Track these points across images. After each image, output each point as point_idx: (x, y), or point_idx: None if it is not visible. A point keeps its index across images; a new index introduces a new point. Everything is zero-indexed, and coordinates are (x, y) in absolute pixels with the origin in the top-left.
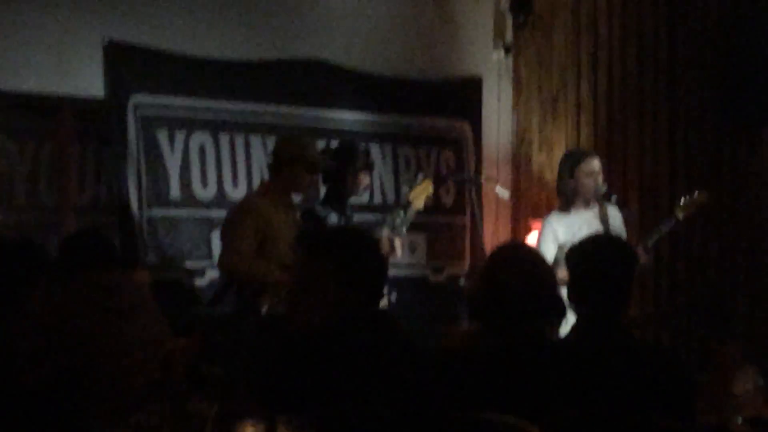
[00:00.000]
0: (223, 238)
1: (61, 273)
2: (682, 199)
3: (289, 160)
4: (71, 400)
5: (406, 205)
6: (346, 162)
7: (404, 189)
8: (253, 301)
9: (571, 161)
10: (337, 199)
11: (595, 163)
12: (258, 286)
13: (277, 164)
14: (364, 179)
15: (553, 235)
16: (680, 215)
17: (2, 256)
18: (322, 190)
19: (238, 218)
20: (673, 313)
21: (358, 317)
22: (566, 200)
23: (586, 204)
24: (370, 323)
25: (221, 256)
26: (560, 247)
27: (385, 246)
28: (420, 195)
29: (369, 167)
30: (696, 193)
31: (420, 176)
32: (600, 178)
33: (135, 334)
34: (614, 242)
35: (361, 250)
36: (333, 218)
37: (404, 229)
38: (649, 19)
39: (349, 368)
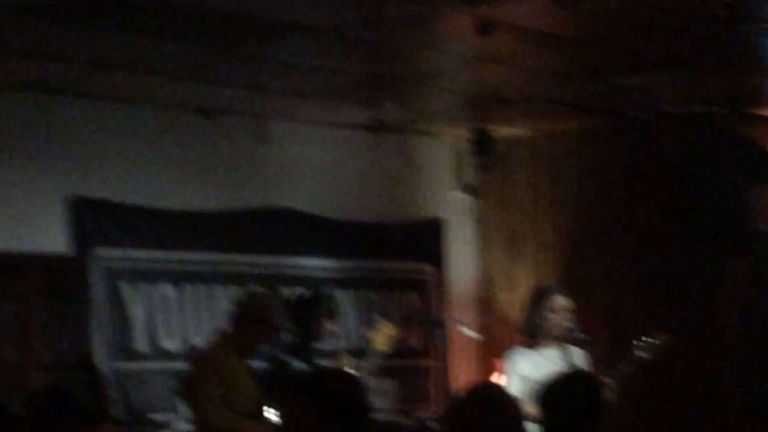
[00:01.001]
0: (190, 395)
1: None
2: (644, 340)
3: (252, 321)
4: None
5: (369, 350)
6: (310, 309)
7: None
8: None
9: (539, 298)
10: (302, 345)
11: (563, 300)
12: None
13: (239, 319)
14: (329, 326)
15: (518, 371)
16: (642, 355)
17: None
18: (287, 337)
19: (203, 371)
20: None
21: None
22: (531, 337)
23: (550, 342)
24: None
25: (197, 411)
26: (525, 383)
27: None
28: (381, 338)
29: (333, 314)
30: (658, 335)
31: (378, 319)
32: (569, 315)
33: None
34: (583, 379)
35: (346, 392)
36: (296, 364)
37: (372, 375)
38: (608, 156)
39: None
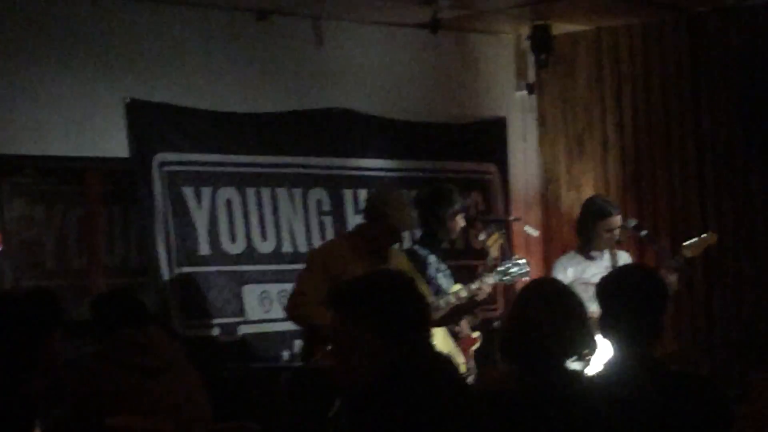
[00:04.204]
0: (296, 279)
1: (93, 333)
2: (691, 240)
3: (375, 217)
4: None
5: (485, 254)
6: (442, 205)
7: (481, 238)
8: (307, 348)
9: (594, 214)
10: (433, 240)
11: (617, 220)
12: (311, 334)
13: (366, 215)
14: (460, 222)
15: (563, 274)
16: (687, 254)
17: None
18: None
19: (312, 261)
20: (711, 348)
21: (405, 368)
22: (583, 243)
23: (600, 251)
24: (420, 371)
25: (288, 302)
26: (571, 283)
27: (486, 293)
28: (493, 244)
29: (465, 210)
30: (705, 234)
31: (492, 227)
32: (618, 233)
33: (168, 391)
34: (645, 273)
35: (393, 295)
36: (431, 259)
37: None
38: (672, 52)
39: (401, 421)
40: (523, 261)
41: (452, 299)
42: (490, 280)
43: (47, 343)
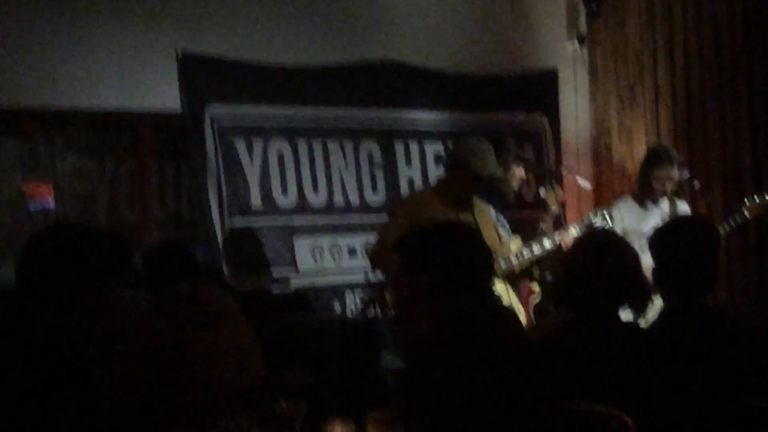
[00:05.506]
0: (379, 229)
1: (146, 286)
2: (751, 199)
3: (458, 167)
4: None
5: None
6: (501, 154)
7: (541, 193)
8: (374, 299)
9: (649, 161)
10: (493, 191)
11: (671, 170)
12: (383, 284)
13: (448, 165)
14: (518, 171)
15: (619, 219)
16: (747, 214)
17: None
18: None
19: (395, 211)
20: (763, 299)
21: (465, 318)
22: (639, 191)
23: (657, 201)
24: (480, 321)
25: (371, 253)
26: (624, 233)
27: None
28: (552, 199)
29: (522, 160)
30: (766, 195)
31: (551, 183)
32: (671, 184)
33: (222, 343)
34: (699, 224)
35: (457, 245)
36: (491, 212)
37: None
38: (724, 2)
39: (461, 368)
40: (606, 213)
41: (537, 250)
42: (574, 231)
43: (111, 289)
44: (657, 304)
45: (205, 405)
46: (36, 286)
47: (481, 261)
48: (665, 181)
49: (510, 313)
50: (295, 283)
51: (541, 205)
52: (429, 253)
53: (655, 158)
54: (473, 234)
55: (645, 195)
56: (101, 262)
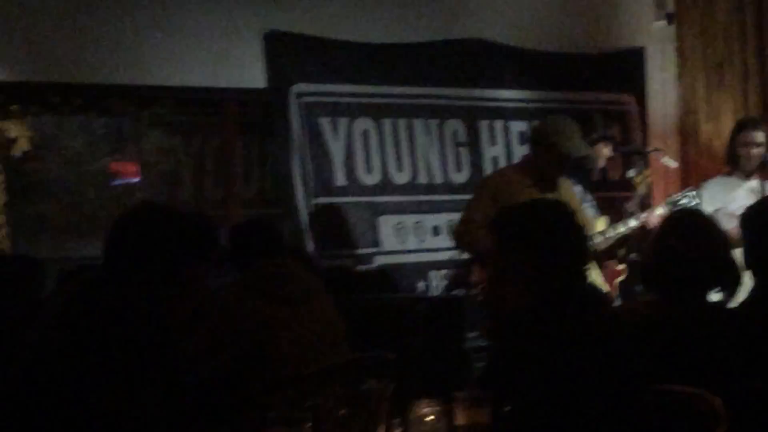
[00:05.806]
0: (464, 207)
1: (232, 263)
2: None
3: (544, 146)
4: (247, 389)
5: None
6: (586, 131)
7: (630, 174)
8: (459, 277)
9: (734, 129)
10: (579, 170)
11: (755, 135)
12: (469, 262)
13: (533, 144)
14: (605, 150)
15: (708, 199)
16: None
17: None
18: None
19: (481, 189)
20: None
21: (557, 298)
22: (728, 165)
23: (746, 175)
24: (576, 302)
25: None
26: (714, 212)
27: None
28: (641, 180)
29: (609, 139)
30: None
31: (641, 167)
32: (758, 151)
33: (308, 320)
34: None
35: (551, 224)
36: (577, 189)
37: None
38: None
39: (554, 348)
40: (693, 193)
41: (622, 229)
42: (661, 211)
43: (196, 270)
44: (747, 283)
45: (293, 381)
46: (124, 267)
47: (578, 241)
48: (751, 147)
49: (602, 294)
50: (379, 261)
51: (628, 185)
52: (527, 231)
53: (739, 125)
54: (569, 214)
55: (733, 167)
56: (189, 244)
